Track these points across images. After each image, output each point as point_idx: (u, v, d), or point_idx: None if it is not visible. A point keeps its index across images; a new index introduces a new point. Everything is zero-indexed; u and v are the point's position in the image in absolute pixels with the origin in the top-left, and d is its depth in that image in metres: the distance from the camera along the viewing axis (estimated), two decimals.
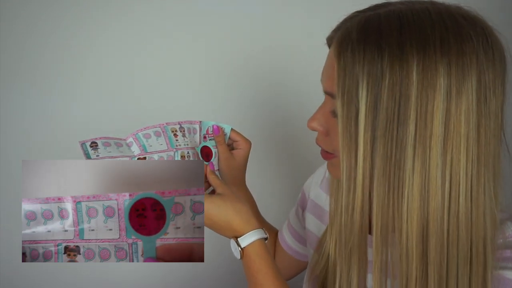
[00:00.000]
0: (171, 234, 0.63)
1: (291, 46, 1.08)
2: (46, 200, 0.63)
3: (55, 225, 0.63)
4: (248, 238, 0.63)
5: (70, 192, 0.62)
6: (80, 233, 0.63)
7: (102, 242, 0.62)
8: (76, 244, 0.63)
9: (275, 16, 1.06)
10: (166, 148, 0.67)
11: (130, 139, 0.65)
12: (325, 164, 0.78)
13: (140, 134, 0.66)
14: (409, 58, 0.49)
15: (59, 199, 0.63)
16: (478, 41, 0.49)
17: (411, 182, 0.50)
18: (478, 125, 0.50)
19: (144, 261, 0.63)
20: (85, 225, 0.62)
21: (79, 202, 0.62)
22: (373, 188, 0.52)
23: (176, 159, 0.67)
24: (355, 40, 0.51)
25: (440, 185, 0.50)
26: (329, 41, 0.59)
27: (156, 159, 0.66)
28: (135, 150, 0.65)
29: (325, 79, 0.57)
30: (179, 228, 0.63)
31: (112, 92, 1.02)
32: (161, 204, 0.62)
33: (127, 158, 0.64)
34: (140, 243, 0.62)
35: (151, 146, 0.66)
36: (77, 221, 0.63)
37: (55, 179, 0.62)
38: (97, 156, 0.62)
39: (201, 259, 0.64)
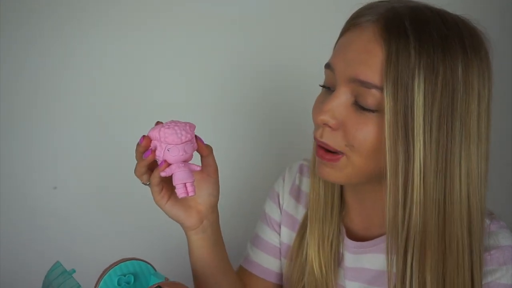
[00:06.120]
0: None
1: (291, 46, 1.07)
2: None
3: None
4: None
5: None
6: None
7: None
8: None
9: (275, 15, 1.06)
10: None
11: None
12: (293, 168, 0.77)
13: None
14: (457, 55, 0.52)
15: None
16: (486, 51, 0.55)
17: (458, 173, 0.53)
18: (488, 125, 0.55)
19: None
20: None
21: None
22: (426, 181, 0.52)
23: None
24: (410, 28, 0.51)
25: (477, 174, 0.54)
26: (355, 23, 0.56)
27: None
28: None
29: (356, 65, 0.53)
30: None
31: (110, 92, 1.02)
32: None
33: None
34: None
35: None
36: None
37: None
38: None
39: None
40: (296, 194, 0.75)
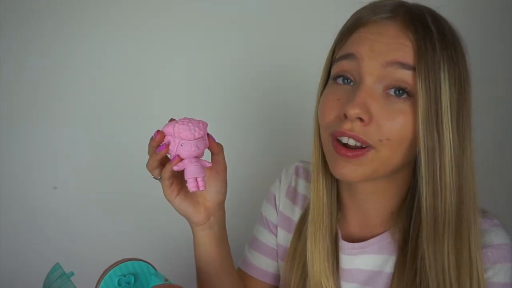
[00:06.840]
0: None
1: (291, 46, 1.07)
2: None
3: None
4: None
5: None
6: None
7: None
8: None
9: (275, 15, 1.06)
10: None
11: None
12: (289, 170, 0.77)
13: None
14: (461, 50, 0.56)
15: None
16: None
17: (467, 157, 0.56)
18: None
19: None
20: None
21: None
22: (455, 167, 0.54)
23: None
24: (431, 22, 0.55)
25: (473, 158, 0.57)
26: (367, 21, 0.57)
27: None
28: None
29: (392, 51, 0.54)
30: None
31: (110, 92, 1.02)
32: None
33: None
34: None
35: None
36: None
37: None
38: None
39: None
40: (292, 196, 0.75)
